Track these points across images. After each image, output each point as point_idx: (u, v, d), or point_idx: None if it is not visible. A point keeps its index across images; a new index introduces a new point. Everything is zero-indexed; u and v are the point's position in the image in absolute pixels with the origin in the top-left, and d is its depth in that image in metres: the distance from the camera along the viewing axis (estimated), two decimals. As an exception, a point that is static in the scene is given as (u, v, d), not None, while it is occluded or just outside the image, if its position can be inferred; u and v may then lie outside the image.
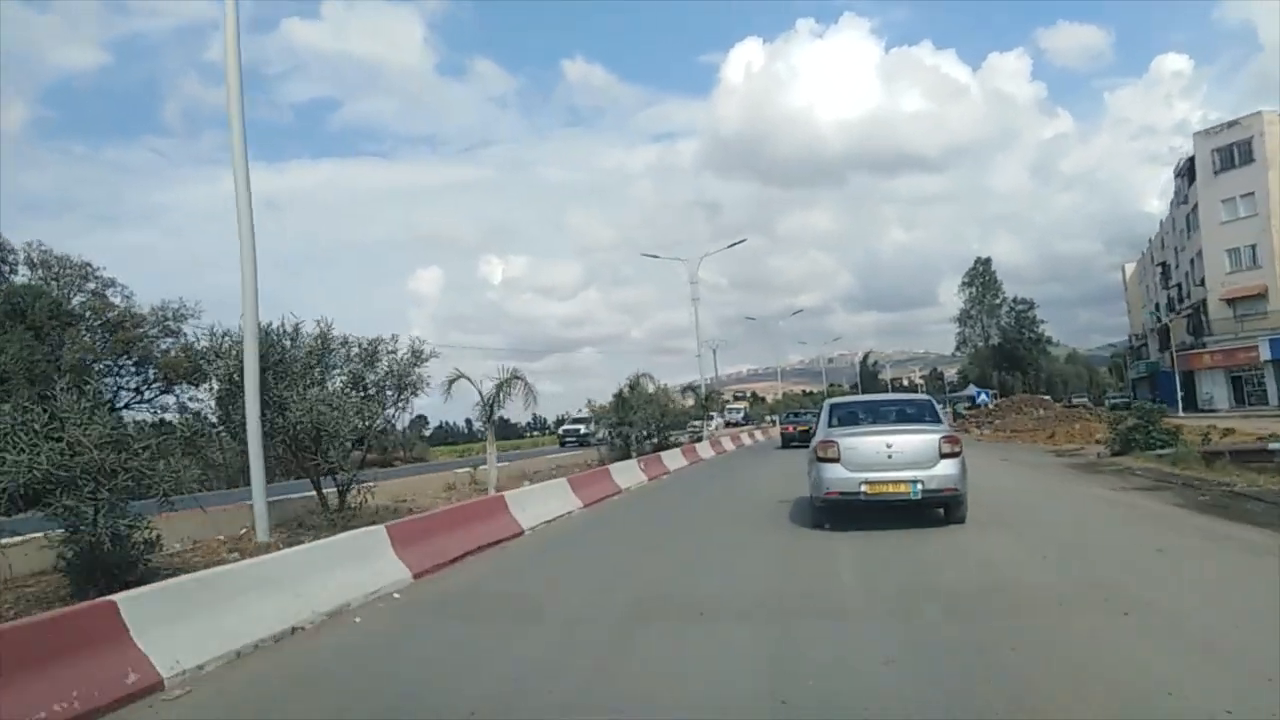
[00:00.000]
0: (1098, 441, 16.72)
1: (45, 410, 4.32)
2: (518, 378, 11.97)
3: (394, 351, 9.13)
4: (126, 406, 15.48)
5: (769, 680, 3.10)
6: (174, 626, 3.32)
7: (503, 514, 7.84)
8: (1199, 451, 11.56)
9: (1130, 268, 71.44)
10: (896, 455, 6.92)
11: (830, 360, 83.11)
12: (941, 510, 7.13)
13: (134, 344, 14.66)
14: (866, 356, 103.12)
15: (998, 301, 62.89)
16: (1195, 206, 36.14)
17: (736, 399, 65.81)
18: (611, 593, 5.08)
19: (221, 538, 7.45)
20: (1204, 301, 35.46)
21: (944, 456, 6.85)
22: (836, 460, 7.08)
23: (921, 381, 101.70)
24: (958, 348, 65.39)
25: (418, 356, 9.13)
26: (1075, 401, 46.82)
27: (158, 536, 5.24)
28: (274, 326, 8.14)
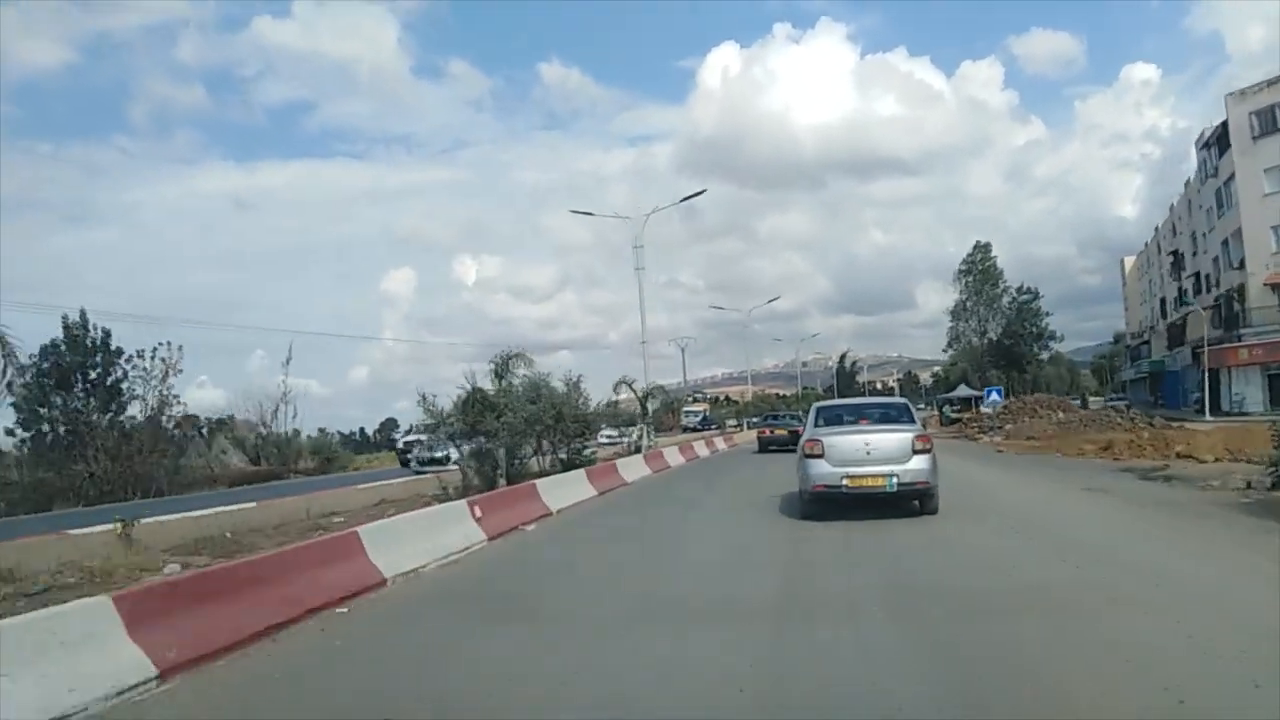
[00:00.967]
0: (1190, 458, 14.41)
1: None
2: None
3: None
4: None
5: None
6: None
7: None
8: None
9: (1130, 262, 75.69)
10: (874, 452, 8.76)
11: (805, 364, 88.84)
12: (916, 502, 8.97)
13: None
14: (843, 357, 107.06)
15: (998, 291, 64.08)
16: (1229, 179, 35.90)
17: (695, 399, 67.70)
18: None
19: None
20: (1240, 288, 35.36)
21: (916, 453, 8.73)
22: (821, 456, 8.92)
23: (895, 385, 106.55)
24: (950, 344, 67.04)
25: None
26: (1082, 402, 49.77)
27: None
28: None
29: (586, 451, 16.68)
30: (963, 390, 56.12)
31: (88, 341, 24.07)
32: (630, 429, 25.62)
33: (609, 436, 25.92)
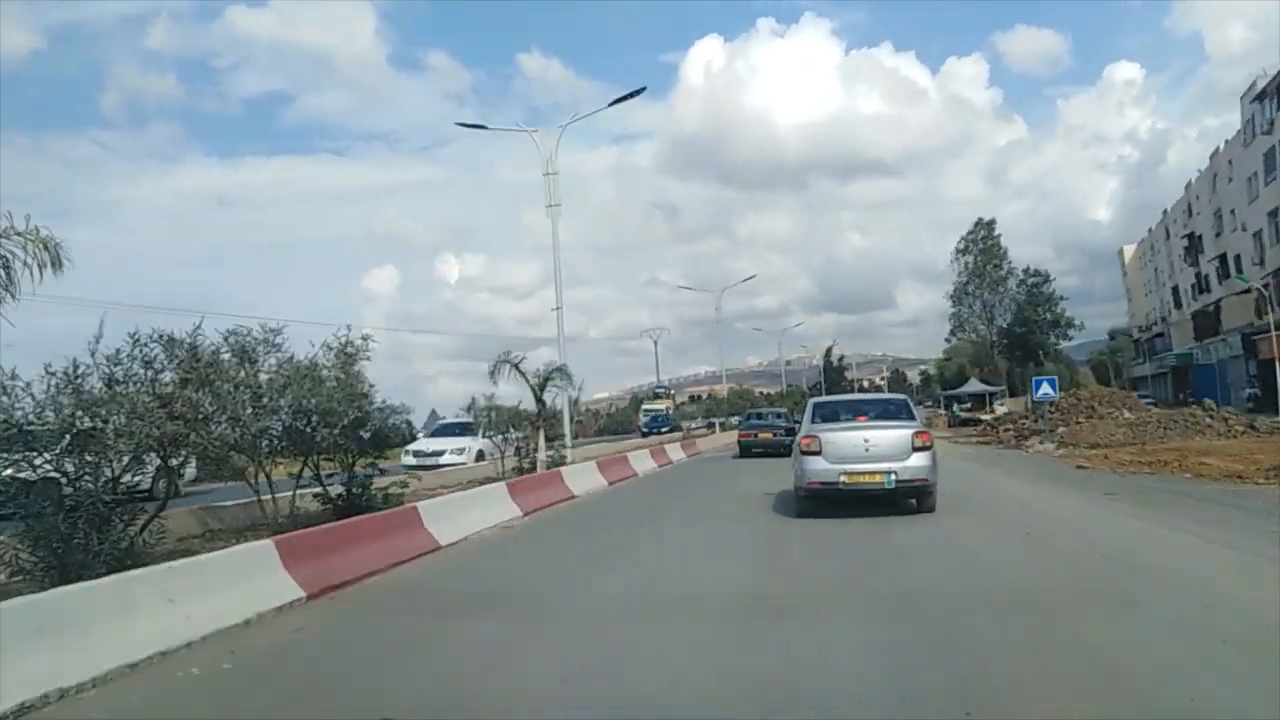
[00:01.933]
0: None
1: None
2: None
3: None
4: None
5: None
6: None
7: None
8: None
9: (1130, 250, 78.98)
10: (873, 449, 9.90)
11: (789, 363, 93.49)
12: (914, 500, 10.16)
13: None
14: (830, 351, 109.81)
15: (1003, 273, 64.13)
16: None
17: (657, 394, 67.31)
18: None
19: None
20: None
21: (916, 450, 9.89)
22: (818, 453, 10.06)
23: (883, 383, 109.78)
24: (952, 332, 66.94)
25: None
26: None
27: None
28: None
29: (385, 488, 11.55)
30: (973, 385, 57.39)
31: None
32: (513, 436, 18.76)
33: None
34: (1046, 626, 4.97)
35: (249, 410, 8.82)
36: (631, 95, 25.05)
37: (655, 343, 52.80)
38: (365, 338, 11.07)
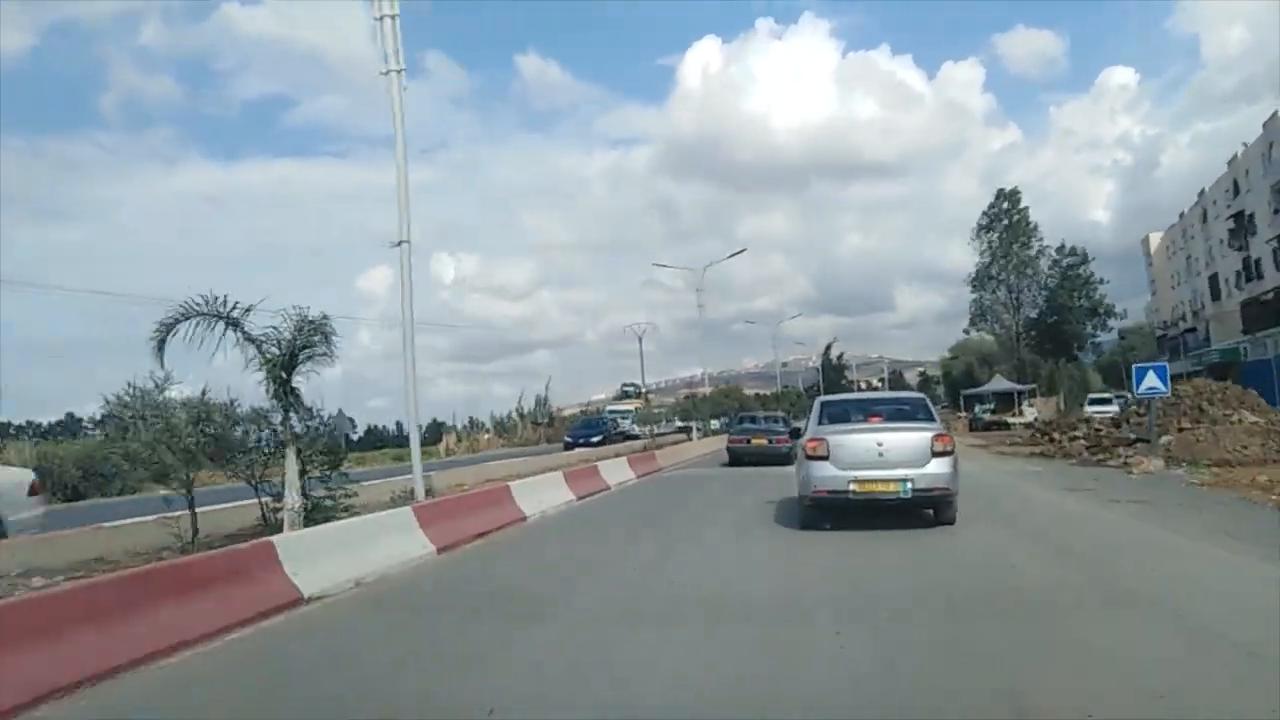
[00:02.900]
0: None
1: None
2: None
3: None
4: None
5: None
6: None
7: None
8: None
9: (1156, 238, 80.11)
10: (887, 454, 10.21)
11: (785, 364, 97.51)
12: (931, 511, 10.52)
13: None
14: (829, 348, 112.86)
15: (1031, 253, 62.63)
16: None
17: (626, 394, 66.57)
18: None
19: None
20: None
21: (935, 455, 10.20)
22: (825, 458, 10.40)
23: (881, 385, 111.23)
24: (971, 323, 66.14)
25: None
26: None
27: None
28: None
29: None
30: (998, 383, 55.69)
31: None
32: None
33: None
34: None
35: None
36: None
37: (640, 339, 52.91)
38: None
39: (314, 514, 10.24)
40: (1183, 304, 71.45)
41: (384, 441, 66.42)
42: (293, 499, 10.16)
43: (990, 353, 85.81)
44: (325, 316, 10.74)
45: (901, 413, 11.44)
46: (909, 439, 10.42)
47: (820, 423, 11.26)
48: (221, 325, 10.17)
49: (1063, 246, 63.02)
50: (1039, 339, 63.17)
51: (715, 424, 52.14)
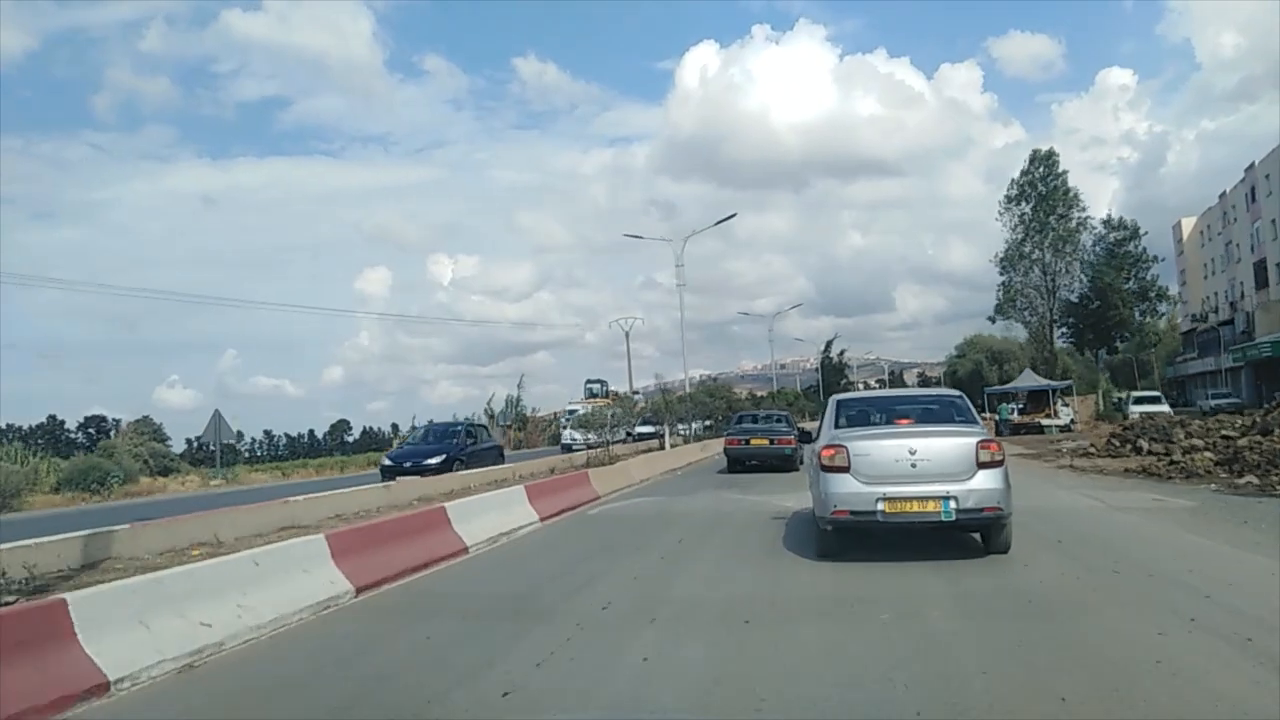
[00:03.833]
0: None
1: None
2: None
3: None
4: None
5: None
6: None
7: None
8: None
9: (1188, 224, 77.36)
10: (923, 464, 8.81)
11: (783, 366, 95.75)
12: (978, 536, 9.32)
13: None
14: (829, 346, 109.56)
15: (1072, 225, 55.80)
16: None
17: (592, 391, 61.81)
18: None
19: None
20: None
21: (983, 466, 8.80)
22: (845, 469, 9.00)
23: (879, 386, 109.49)
24: (1000, 309, 59.35)
25: None
26: None
27: None
28: None
29: None
30: (1027, 379, 50.21)
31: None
32: None
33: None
34: None
35: None
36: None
37: (627, 333, 50.48)
38: None
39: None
40: (1217, 294, 67.94)
41: (381, 444, 66.26)
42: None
43: (1002, 350, 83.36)
44: None
45: (935, 413, 10.12)
46: (948, 446, 9.00)
47: (837, 425, 9.91)
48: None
49: (1109, 218, 56.76)
50: (1078, 328, 56.93)
51: (698, 426, 47.13)
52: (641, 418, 46.57)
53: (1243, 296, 62.03)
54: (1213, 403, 48.18)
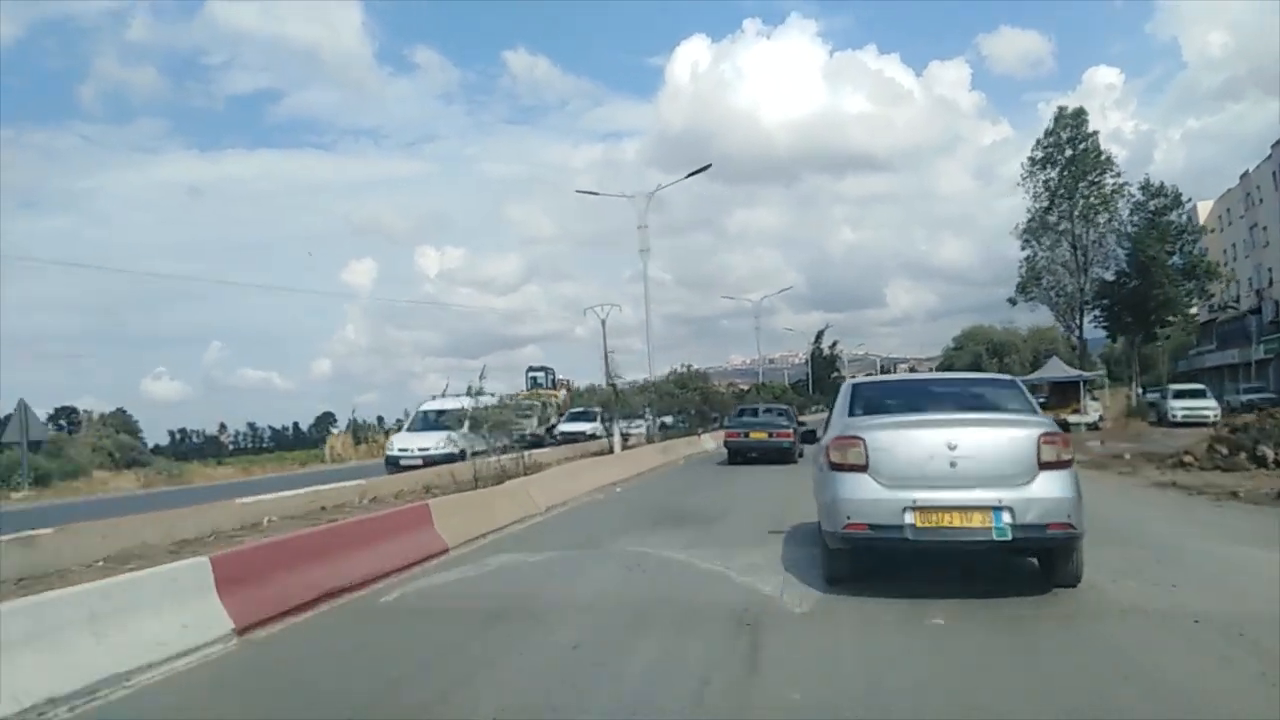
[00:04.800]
0: None
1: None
2: None
3: None
4: None
5: None
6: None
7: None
8: None
9: (1204, 208, 74.95)
10: (966, 462, 7.03)
11: (771, 361, 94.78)
12: (1034, 560, 7.76)
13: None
14: (820, 336, 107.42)
15: (1106, 191, 49.62)
16: None
17: (535, 380, 56.23)
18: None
19: None
20: None
21: (1046, 467, 7.02)
22: (862, 468, 7.25)
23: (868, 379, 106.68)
24: (1021, 289, 52.78)
25: None
26: None
27: None
28: None
29: None
30: (1054, 369, 44.93)
31: None
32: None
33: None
34: None
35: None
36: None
37: (603, 321, 47.92)
38: None
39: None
40: (1252, 280, 65.10)
41: (366, 437, 65.50)
42: None
43: (1003, 341, 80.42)
44: None
45: (981, 399, 8.28)
46: (1001, 439, 7.20)
47: (851, 413, 8.06)
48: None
49: (1148, 183, 49.87)
50: (1113, 310, 50.26)
51: (668, 419, 42.32)
52: (569, 413, 42.05)
53: (1270, 283, 59.96)
54: (1244, 397, 45.19)
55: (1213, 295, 52.96)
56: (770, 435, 25.44)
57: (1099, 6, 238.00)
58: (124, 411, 63.16)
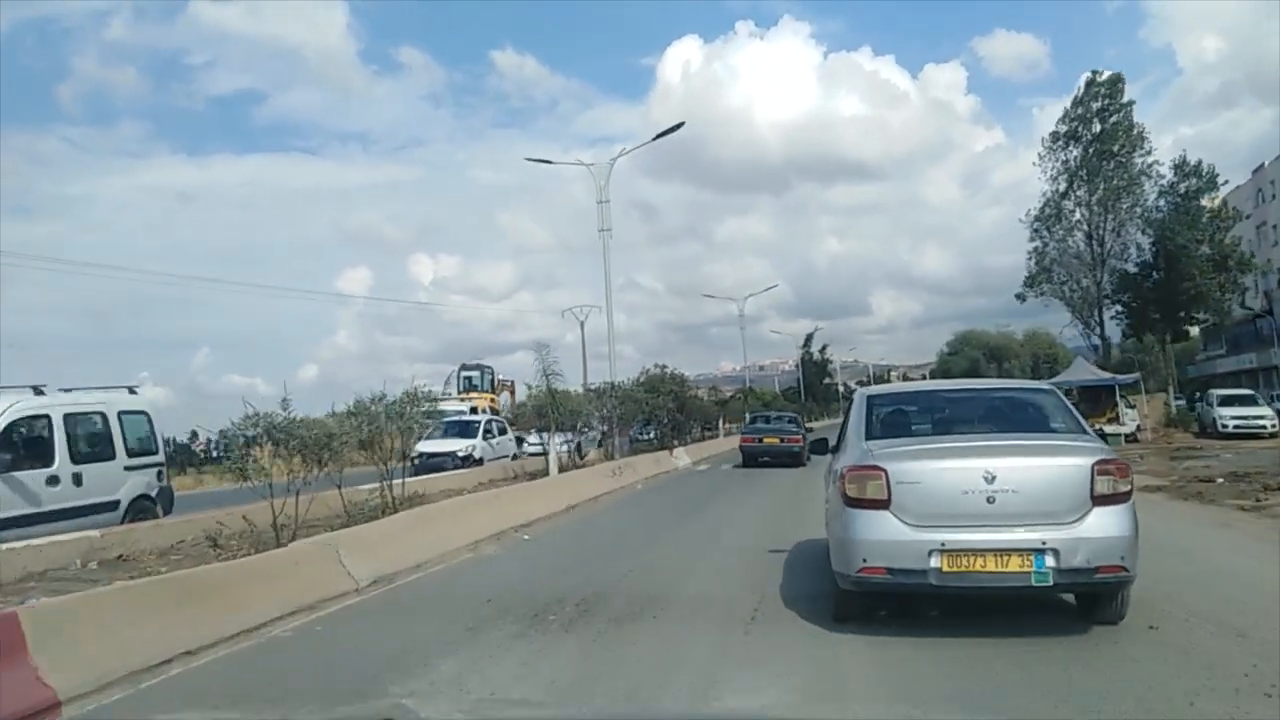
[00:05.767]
0: None
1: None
2: None
3: None
4: None
5: None
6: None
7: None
8: None
9: (1208, 205, 72.12)
10: (1005, 497, 6.29)
11: (761, 368, 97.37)
12: (1073, 598, 7.23)
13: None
14: (809, 340, 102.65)
15: (1135, 169, 45.75)
16: None
17: (469, 379, 50.38)
18: None
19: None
20: None
21: (1100, 501, 6.29)
22: (884, 505, 6.49)
23: (857, 387, 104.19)
24: (1031, 282, 49.17)
25: None
26: None
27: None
28: None
29: None
30: (1081, 371, 40.80)
31: None
32: None
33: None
34: None
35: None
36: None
37: (582, 323, 46.73)
38: None
39: None
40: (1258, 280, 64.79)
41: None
42: None
43: (1000, 345, 79.22)
44: None
45: (1019, 415, 7.59)
46: (1048, 469, 6.46)
47: (869, 434, 7.33)
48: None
49: (1182, 163, 45.52)
50: (1132, 306, 46.62)
51: (612, 438, 33.49)
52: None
53: (1280, 285, 61.86)
54: (1278, 405, 41.17)
55: (1246, 289, 48.66)
56: (782, 440, 28.74)
57: (1094, 8, 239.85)
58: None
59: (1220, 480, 18.10)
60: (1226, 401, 36.85)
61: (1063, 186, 46.67)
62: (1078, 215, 46.62)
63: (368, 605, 9.22)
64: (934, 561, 6.30)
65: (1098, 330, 47.95)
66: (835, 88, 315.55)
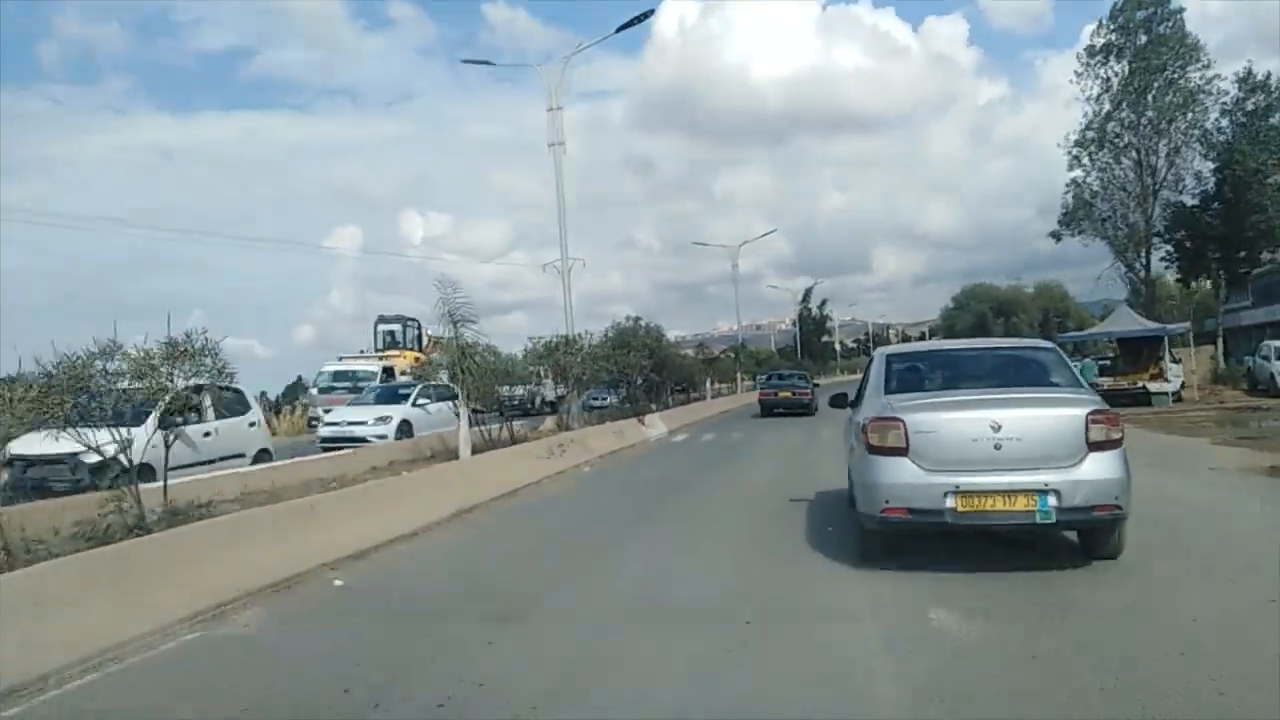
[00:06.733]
0: None
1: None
2: None
3: None
4: None
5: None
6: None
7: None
8: None
9: None
10: (1011, 445, 7.35)
11: (759, 327, 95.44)
12: (1075, 535, 8.49)
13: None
14: (808, 294, 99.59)
15: (1190, 85, 40.73)
16: None
17: (391, 338, 43.33)
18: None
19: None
20: None
21: (1095, 448, 7.33)
22: (902, 452, 7.57)
23: (855, 346, 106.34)
24: (1067, 221, 44.55)
25: None
26: None
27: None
28: None
29: None
30: (1122, 320, 36.60)
31: None
32: None
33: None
34: None
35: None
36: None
37: (564, 275, 40.22)
38: None
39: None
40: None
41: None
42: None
43: (1010, 299, 76.22)
44: None
45: (1023, 371, 8.51)
46: (1047, 419, 7.44)
47: (888, 390, 8.37)
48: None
49: (1248, 75, 40.71)
50: (1185, 245, 42.58)
51: (571, 404, 27.35)
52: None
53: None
54: None
55: None
56: (794, 394, 35.36)
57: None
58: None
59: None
60: None
61: (1107, 106, 41.47)
62: (1126, 140, 41.20)
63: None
64: (949, 502, 7.46)
65: (1142, 273, 43.16)
66: (834, 40, 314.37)
